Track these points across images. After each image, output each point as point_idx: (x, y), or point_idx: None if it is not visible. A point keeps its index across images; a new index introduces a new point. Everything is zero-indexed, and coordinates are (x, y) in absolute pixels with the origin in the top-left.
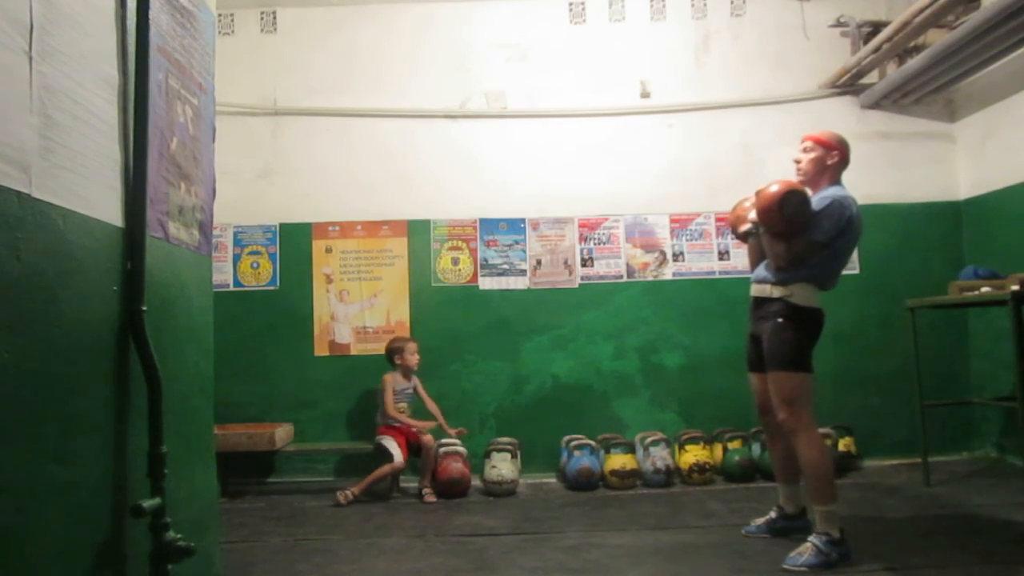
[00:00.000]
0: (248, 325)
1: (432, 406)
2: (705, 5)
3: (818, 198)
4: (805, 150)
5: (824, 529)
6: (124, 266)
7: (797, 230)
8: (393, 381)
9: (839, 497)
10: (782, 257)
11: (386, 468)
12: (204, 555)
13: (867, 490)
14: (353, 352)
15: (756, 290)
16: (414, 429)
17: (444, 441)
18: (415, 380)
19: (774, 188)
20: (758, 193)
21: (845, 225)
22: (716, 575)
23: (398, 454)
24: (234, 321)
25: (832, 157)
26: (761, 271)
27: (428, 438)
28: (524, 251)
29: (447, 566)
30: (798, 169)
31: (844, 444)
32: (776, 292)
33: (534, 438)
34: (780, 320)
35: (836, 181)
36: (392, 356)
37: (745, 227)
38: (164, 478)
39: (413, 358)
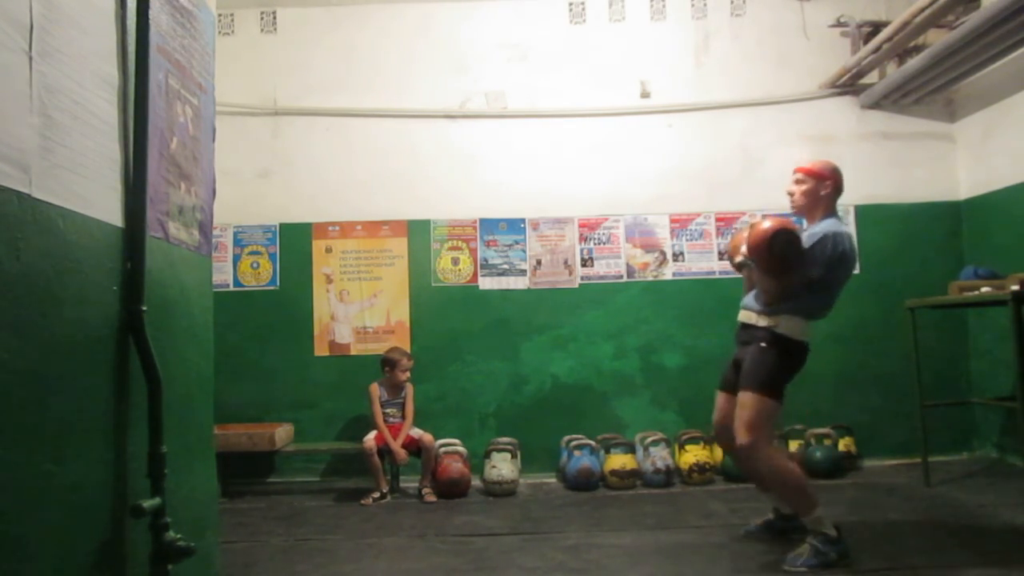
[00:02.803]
0: (248, 325)
1: (407, 416)
2: (705, 5)
3: (810, 233)
4: (797, 182)
5: (819, 530)
6: (124, 266)
7: (786, 268)
8: (379, 393)
9: (836, 498)
10: (771, 293)
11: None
12: (204, 555)
13: (867, 490)
14: (353, 352)
15: (743, 316)
16: (391, 445)
17: (444, 441)
18: (407, 389)
19: (765, 225)
20: (751, 227)
21: (837, 261)
22: (716, 575)
23: (368, 438)
24: (234, 321)
25: (825, 187)
26: (750, 299)
27: (428, 438)
28: (524, 251)
29: (447, 566)
30: (791, 202)
31: (844, 444)
32: (762, 321)
33: (534, 438)
34: (763, 344)
35: (831, 212)
36: (384, 366)
37: (739, 259)
38: (164, 478)
39: (403, 374)
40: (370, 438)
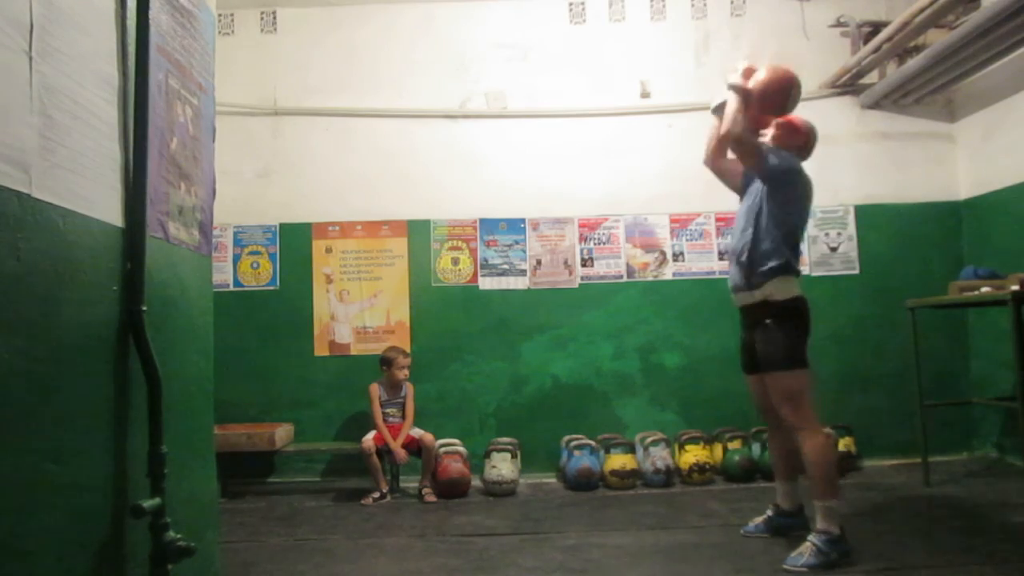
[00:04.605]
0: (248, 325)
1: (408, 416)
2: (705, 5)
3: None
4: (772, 125)
5: (824, 527)
6: (124, 266)
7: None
8: (379, 393)
9: (841, 496)
10: (735, 131)
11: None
12: (204, 555)
13: (867, 490)
14: (353, 352)
15: (737, 300)
16: (390, 445)
17: (444, 441)
18: (406, 389)
19: (786, 70)
20: (773, 67)
21: (794, 175)
22: (716, 575)
23: (367, 438)
24: (234, 321)
25: (798, 140)
26: (735, 276)
27: (429, 437)
28: (524, 251)
29: (447, 566)
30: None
31: (844, 444)
32: (757, 296)
33: (534, 438)
34: (768, 322)
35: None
36: (382, 365)
37: (733, 80)
38: (164, 478)
39: (401, 372)
40: (369, 438)
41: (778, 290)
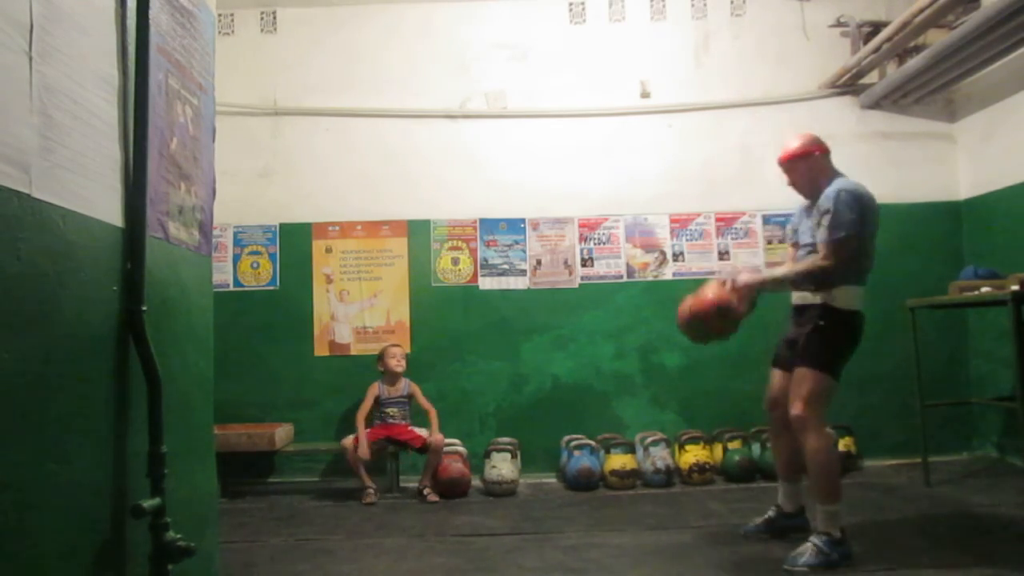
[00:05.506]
0: (248, 325)
1: (431, 414)
2: (705, 5)
3: (824, 198)
4: (788, 171)
5: (825, 528)
6: (124, 266)
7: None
8: (377, 389)
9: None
10: (828, 275)
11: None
12: (204, 555)
13: (867, 490)
14: (353, 352)
15: (797, 298)
16: (361, 443)
17: (444, 441)
18: (407, 386)
19: (709, 295)
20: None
21: (861, 209)
22: (716, 575)
23: (348, 437)
24: (234, 321)
25: (813, 159)
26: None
27: (438, 437)
28: (524, 251)
29: (447, 566)
30: (797, 191)
31: (844, 444)
32: (818, 298)
33: (534, 438)
34: (821, 323)
35: (833, 174)
36: (378, 363)
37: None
38: (164, 478)
39: (391, 361)
40: (349, 438)
41: (841, 298)
